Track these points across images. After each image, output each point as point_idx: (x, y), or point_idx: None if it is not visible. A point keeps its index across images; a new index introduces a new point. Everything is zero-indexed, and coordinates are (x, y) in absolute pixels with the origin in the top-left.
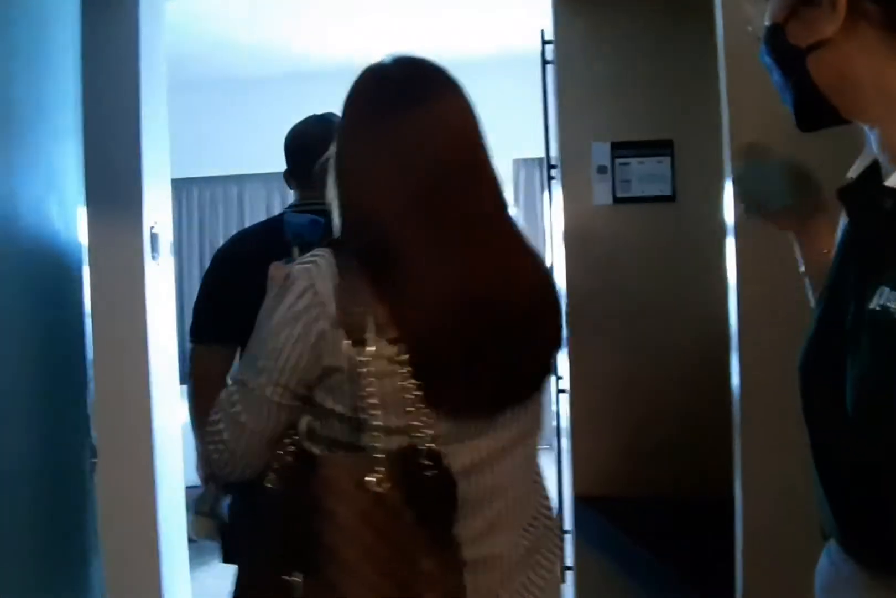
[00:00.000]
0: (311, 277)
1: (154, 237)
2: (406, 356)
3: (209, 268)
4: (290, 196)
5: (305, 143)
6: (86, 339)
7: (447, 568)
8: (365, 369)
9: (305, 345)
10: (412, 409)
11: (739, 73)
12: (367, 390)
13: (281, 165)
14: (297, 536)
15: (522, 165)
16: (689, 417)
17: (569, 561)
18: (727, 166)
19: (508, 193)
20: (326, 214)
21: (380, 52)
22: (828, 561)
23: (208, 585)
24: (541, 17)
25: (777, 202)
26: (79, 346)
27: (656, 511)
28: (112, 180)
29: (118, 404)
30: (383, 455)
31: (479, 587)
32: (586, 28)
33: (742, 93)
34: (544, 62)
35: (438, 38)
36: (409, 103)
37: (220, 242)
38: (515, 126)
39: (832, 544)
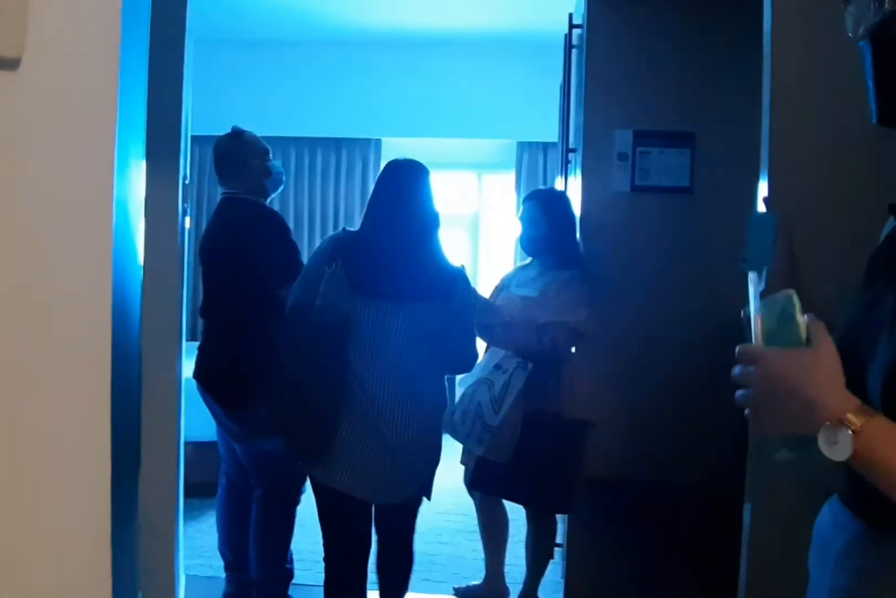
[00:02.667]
0: None
1: (186, 189)
2: None
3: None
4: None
5: (221, 154)
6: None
7: None
8: None
9: None
10: None
11: (785, 72)
12: None
13: (302, 131)
14: None
15: (526, 148)
16: (696, 405)
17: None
18: (764, 160)
19: (510, 177)
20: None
21: None
22: (829, 517)
23: (197, 539)
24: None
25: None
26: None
27: (655, 494)
28: (155, 136)
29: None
30: None
31: None
32: (618, 16)
33: (787, 90)
34: (569, 46)
35: (457, 12)
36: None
37: None
38: (521, 109)
39: (835, 500)
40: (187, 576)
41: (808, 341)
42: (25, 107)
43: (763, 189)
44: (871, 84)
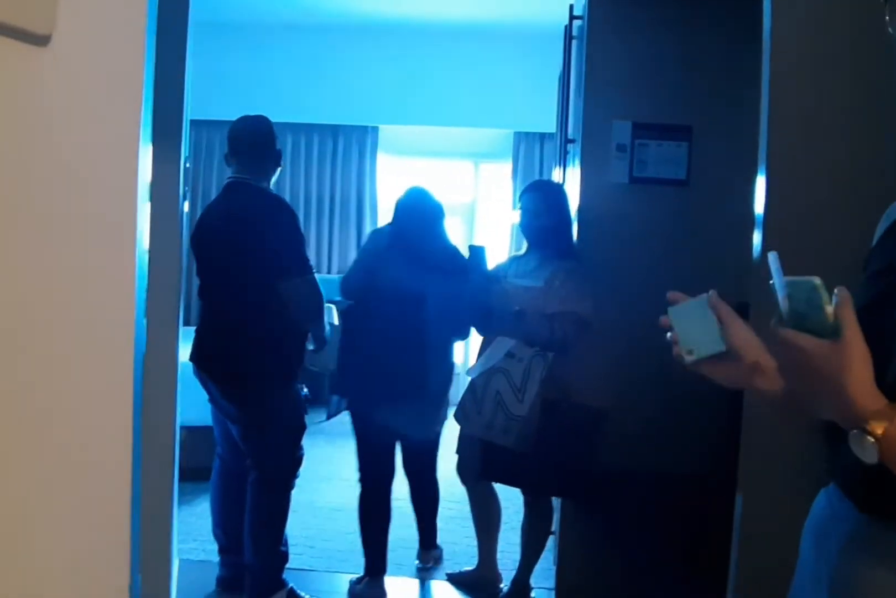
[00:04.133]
0: None
1: (186, 172)
2: None
3: (297, 221)
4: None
5: (245, 136)
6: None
7: None
8: None
9: None
10: None
11: (784, 66)
12: None
13: (299, 117)
14: None
15: (523, 138)
16: (689, 396)
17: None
18: (762, 154)
19: (507, 167)
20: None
21: None
22: (825, 503)
23: (190, 523)
24: None
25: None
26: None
27: (649, 482)
28: (157, 119)
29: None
30: None
31: None
32: (619, 7)
33: (786, 84)
34: (569, 37)
35: (457, 1)
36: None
37: None
38: (518, 99)
39: (832, 487)
40: (181, 560)
41: (835, 331)
42: (55, 84)
43: (761, 184)
44: None
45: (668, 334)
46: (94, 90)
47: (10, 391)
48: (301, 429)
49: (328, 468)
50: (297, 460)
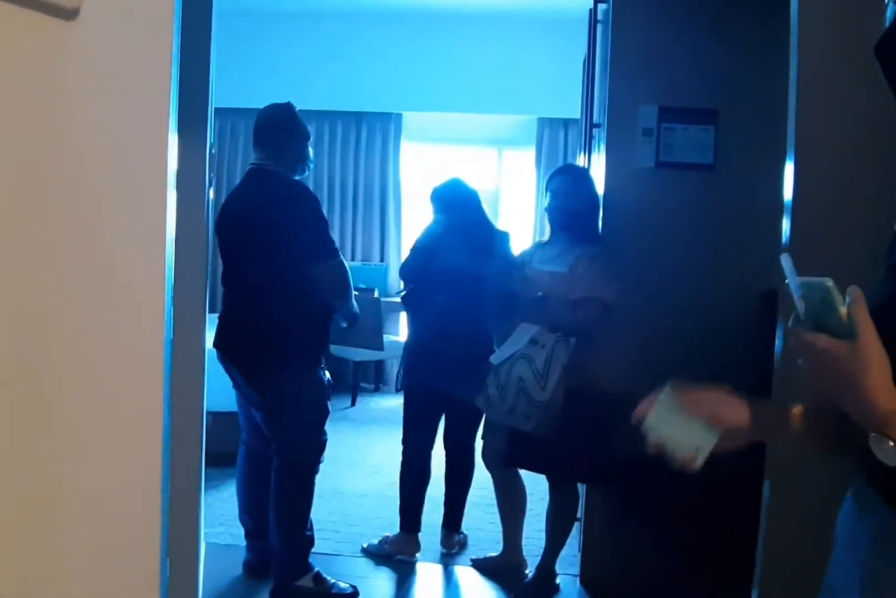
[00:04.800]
0: None
1: (212, 159)
2: None
3: (318, 206)
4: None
5: (272, 122)
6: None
7: None
8: None
9: None
10: None
11: (812, 50)
12: None
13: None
14: None
15: (547, 124)
16: (714, 382)
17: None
18: (790, 139)
19: (530, 154)
20: (265, 171)
21: None
22: (853, 501)
23: (217, 508)
24: None
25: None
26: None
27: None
28: (184, 106)
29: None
30: None
31: None
32: None
33: (814, 69)
34: (594, 21)
35: None
36: None
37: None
38: (542, 84)
39: (858, 485)
40: (208, 544)
41: (851, 331)
42: (82, 58)
43: (789, 170)
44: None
45: (651, 440)
46: (122, 65)
47: (41, 378)
48: (324, 414)
49: (354, 455)
50: (320, 446)
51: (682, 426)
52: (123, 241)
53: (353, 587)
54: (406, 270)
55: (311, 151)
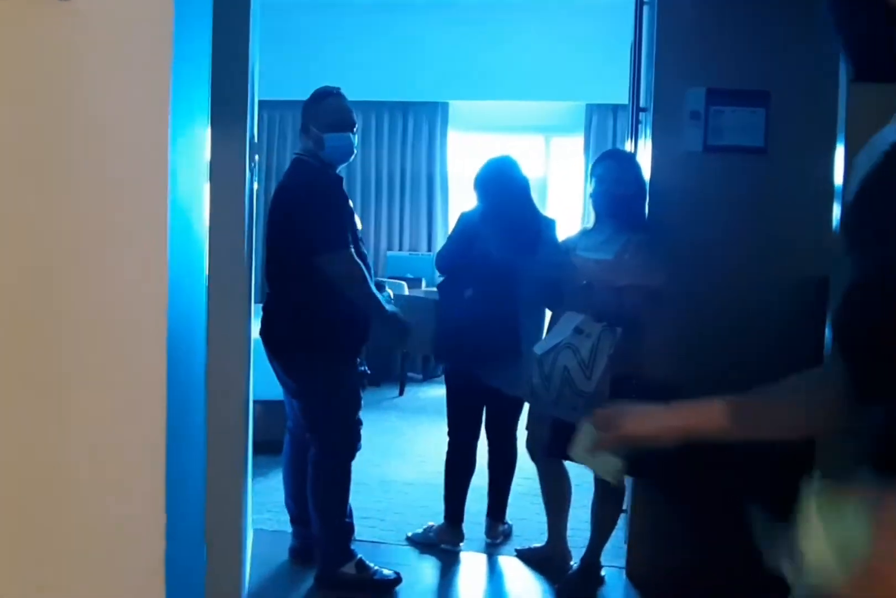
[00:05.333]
0: None
1: (252, 150)
2: None
3: (333, 195)
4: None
5: (304, 112)
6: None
7: None
8: None
9: None
10: None
11: None
12: None
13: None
14: None
15: (595, 110)
16: (764, 372)
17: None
18: (841, 122)
19: (578, 141)
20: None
21: None
22: None
23: (266, 495)
24: None
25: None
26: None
27: (722, 458)
28: (220, 97)
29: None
30: None
31: None
32: None
33: None
34: (641, 3)
35: None
36: None
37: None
38: (590, 70)
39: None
40: (255, 530)
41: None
42: (77, 39)
43: (840, 154)
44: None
45: None
46: (121, 51)
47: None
48: (357, 404)
49: (401, 444)
50: (355, 435)
51: (594, 456)
52: (123, 232)
53: (397, 573)
54: (440, 259)
55: (353, 138)
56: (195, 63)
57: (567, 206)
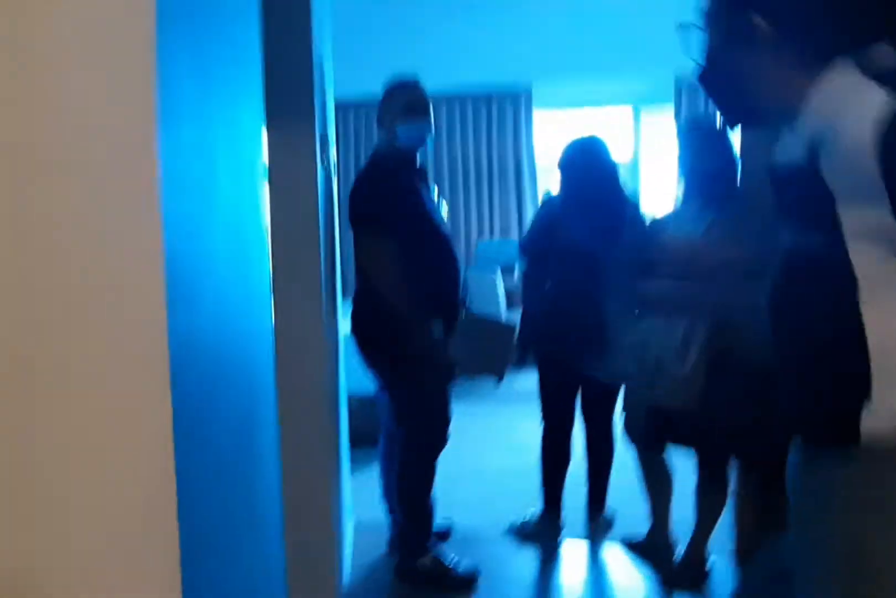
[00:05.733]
0: None
1: (325, 144)
2: None
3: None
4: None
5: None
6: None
7: None
8: None
9: None
10: None
11: None
12: None
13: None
14: None
15: (686, 80)
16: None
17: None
18: None
19: (669, 113)
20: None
21: None
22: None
23: (373, 487)
24: None
25: None
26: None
27: None
28: (280, 92)
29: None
30: None
31: None
32: None
33: None
34: None
35: None
36: None
37: None
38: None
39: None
40: (357, 522)
41: None
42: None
43: None
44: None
45: None
46: (100, 28)
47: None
48: (442, 397)
49: (498, 433)
50: (440, 430)
51: None
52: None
53: (475, 571)
54: (523, 245)
55: (426, 126)
56: (210, 55)
57: (660, 184)
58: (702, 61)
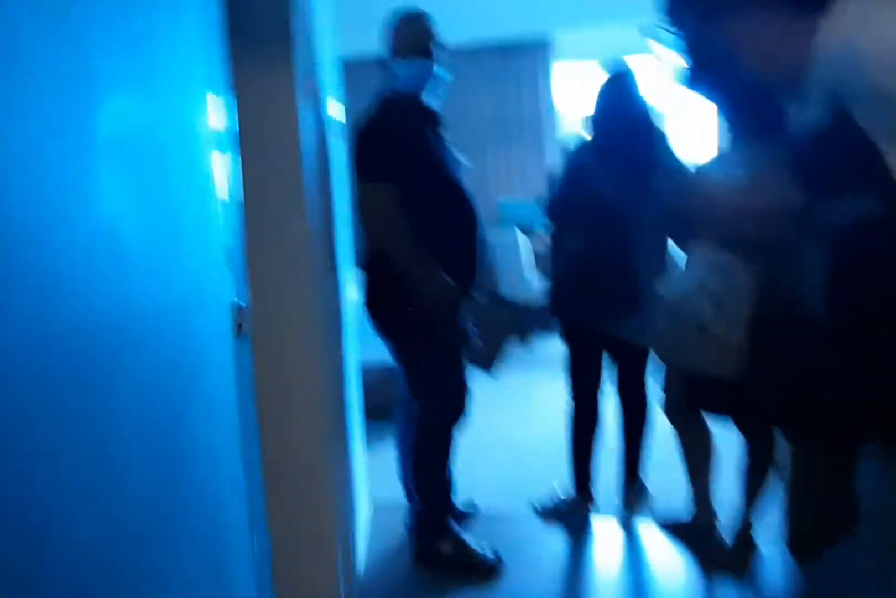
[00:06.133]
0: None
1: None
2: None
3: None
4: None
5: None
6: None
7: None
8: None
9: None
10: None
11: None
12: None
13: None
14: None
15: None
16: None
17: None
18: None
19: None
20: None
21: None
22: None
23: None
24: None
25: None
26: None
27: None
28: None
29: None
30: None
31: None
32: None
33: None
34: None
35: None
36: None
37: None
38: None
39: None
40: (379, 505)
41: None
42: None
43: None
44: None
45: None
46: None
47: None
48: (458, 365)
49: (521, 402)
50: (456, 400)
51: None
52: None
53: (497, 557)
54: (548, 207)
55: (430, 64)
56: None
57: (697, 135)
58: (686, 60)
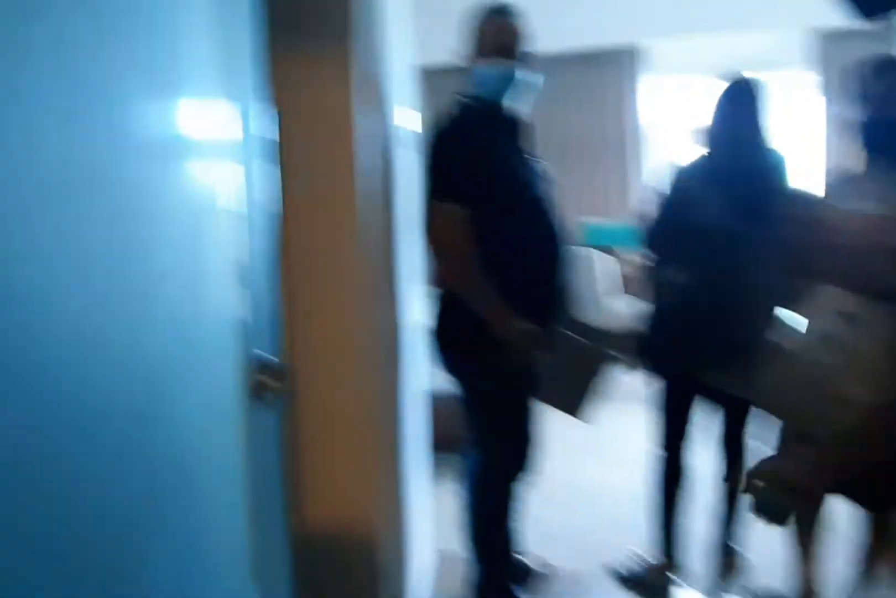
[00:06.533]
0: None
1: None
2: None
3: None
4: None
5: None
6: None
7: None
8: None
9: None
10: None
11: None
12: None
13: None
14: None
15: (827, 39)
16: None
17: None
18: None
19: (806, 75)
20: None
21: None
22: None
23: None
24: None
25: None
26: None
27: None
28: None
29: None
30: None
31: None
32: None
33: None
34: None
35: None
36: None
37: None
38: None
39: None
40: (441, 552)
41: None
42: None
43: None
44: None
45: None
46: None
47: None
48: (522, 412)
49: (596, 441)
50: (518, 452)
51: None
52: None
53: None
54: (647, 235)
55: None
56: None
57: (806, 150)
58: None
